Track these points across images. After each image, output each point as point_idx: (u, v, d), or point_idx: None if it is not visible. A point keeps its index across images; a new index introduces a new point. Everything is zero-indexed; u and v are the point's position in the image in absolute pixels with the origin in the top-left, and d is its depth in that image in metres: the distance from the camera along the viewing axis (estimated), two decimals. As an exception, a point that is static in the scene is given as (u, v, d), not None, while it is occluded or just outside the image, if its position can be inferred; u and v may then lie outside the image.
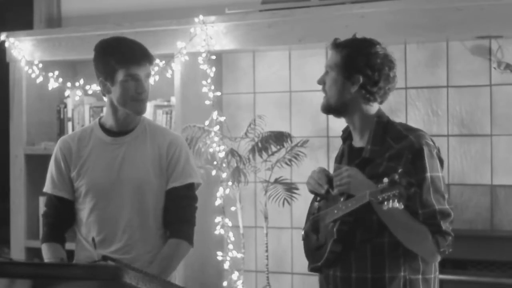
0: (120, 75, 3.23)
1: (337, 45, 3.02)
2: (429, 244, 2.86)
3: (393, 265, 2.90)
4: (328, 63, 3.04)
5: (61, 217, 3.38)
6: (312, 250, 3.05)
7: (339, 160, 3.12)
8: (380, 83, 2.99)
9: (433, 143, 2.95)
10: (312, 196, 3.17)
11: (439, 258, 2.92)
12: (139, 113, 3.32)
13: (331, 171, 3.16)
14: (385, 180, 2.69)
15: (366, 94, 2.98)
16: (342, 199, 2.90)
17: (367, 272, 2.91)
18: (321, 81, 3.04)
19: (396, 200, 2.65)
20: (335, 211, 2.90)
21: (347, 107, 3.00)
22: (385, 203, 2.67)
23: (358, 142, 3.04)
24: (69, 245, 3.38)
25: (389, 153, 2.90)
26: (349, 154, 3.06)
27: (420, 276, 2.92)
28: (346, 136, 3.11)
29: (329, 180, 3.03)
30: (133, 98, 3.25)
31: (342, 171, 2.91)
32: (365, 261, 2.91)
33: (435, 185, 2.88)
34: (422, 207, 2.85)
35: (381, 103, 3.03)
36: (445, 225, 2.87)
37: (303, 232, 3.16)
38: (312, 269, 3.06)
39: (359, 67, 2.96)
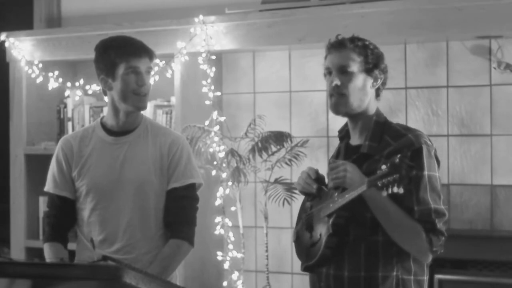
0: (121, 69, 3.24)
1: (351, 42, 2.96)
2: (423, 243, 2.85)
3: (386, 264, 2.89)
4: (341, 63, 2.95)
5: (63, 217, 3.38)
6: (306, 248, 3.04)
7: (335, 158, 3.12)
8: (385, 78, 3.02)
9: (431, 143, 2.95)
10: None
11: (430, 258, 2.92)
12: (139, 109, 3.31)
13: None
14: (383, 167, 2.67)
15: (378, 90, 3.00)
16: (336, 194, 2.89)
17: (361, 270, 2.90)
18: (342, 83, 2.94)
19: (396, 185, 2.63)
20: (331, 205, 2.89)
21: (366, 108, 2.99)
22: (384, 188, 2.66)
23: (356, 140, 3.03)
24: (70, 245, 3.38)
25: (388, 151, 2.90)
26: (345, 152, 3.05)
27: (412, 277, 2.92)
28: (343, 135, 3.12)
29: (318, 178, 3.03)
30: (135, 92, 3.25)
31: (338, 164, 2.90)
32: (359, 259, 2.91)
33: (432, 184, 2.88)
34: (418, 204, 2.85)
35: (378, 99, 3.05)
36: (439, 224, 2.86)
37: (294, 233, 3.16)
38: (306, 268, 3.05)
39: (376, 63, 2.97)
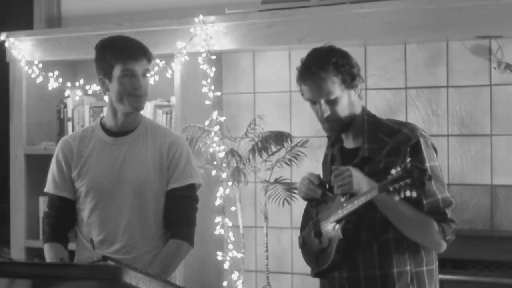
0: (117, 71, 3.23)
1: (323, 70, 2.91)
2: (436, 234, 2.87)
3: (399, 259, 2.91)
4: (323, 95, 2.91)
5: (63, 217, 3.38)
6: (315, 254, 3.04)
7: (329, 165, 3.10)
8: (361, 76, 3.01)
9: (426, 133, 2.97)
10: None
11: (444, 247, 2.93)
12: (137, 109, 3.31)
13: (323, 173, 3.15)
14: (393, 171, 2.68)
15: (359, 92, 2.99)
16: (343, 199, 2.89)
17: (375, 269, 2.91)
18: (331, 111, 2.93)
19: (408, 189, 2.65)
20: (339, 211, 2.89)
21: (354, 112, 2.99)
22: (396, 193, 2.67)
23: (350, 143, 3.02)
24: (70, 245, 3.38)
25: (386, 149, 2.91)
26: (341, 156, 3.04)
27: (424, 268, 2.94)
28: (334, 140, 3.10)
29: (321, 183, 3.02)
30: (130, 94, 3.24)
31: (342, 170, 2.90)
32: (372, 258, 2.91)
33: (435, 174, 2.88)
34: (425, 197, 2.86)
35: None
36: (449, 213, 2.89)
37: (300, 239, 3.14)
38: (317, 274, 3.04)
39: (352, 73, 2.95)
